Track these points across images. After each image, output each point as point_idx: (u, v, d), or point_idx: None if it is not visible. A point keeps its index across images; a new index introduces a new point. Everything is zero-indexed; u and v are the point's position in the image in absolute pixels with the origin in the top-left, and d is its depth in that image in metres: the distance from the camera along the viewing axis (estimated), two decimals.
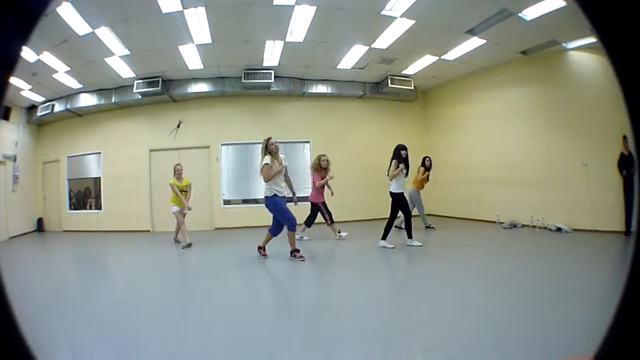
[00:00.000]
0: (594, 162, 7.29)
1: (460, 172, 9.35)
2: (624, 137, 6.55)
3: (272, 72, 8.52)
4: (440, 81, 10.02)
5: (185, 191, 7.37)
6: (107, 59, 7.69)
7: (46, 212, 10.70)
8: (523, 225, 7.99)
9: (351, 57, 8.25)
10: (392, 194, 6.25)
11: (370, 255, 5.96)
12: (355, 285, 4.55)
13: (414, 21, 6.72)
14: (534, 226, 7.85)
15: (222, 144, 9.39)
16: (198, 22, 6.47)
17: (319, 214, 7.31)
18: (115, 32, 6.62)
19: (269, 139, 5.66)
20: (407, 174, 6.40)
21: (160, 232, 9.43)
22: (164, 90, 8.91)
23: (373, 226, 7.55)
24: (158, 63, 8.24)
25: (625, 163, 6.70)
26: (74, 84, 8.86)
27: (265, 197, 5.69)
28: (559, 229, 7.47)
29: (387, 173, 6.31)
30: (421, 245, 6.25)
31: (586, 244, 6.46)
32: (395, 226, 6.66)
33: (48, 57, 7.23)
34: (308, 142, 9.62)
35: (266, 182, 5.57)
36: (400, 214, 6.35)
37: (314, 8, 6.18)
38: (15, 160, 9.70)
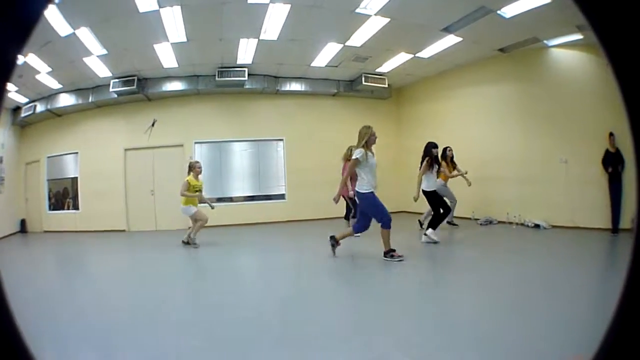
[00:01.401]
0: (574, 159, 7.30)
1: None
2: (610, 134, 6.62)
3: (246, 70, 8.45)
4: (415, 79, 10.01)
5: (199, 191, 6.95)
6: (85, 59, 7.62)
7: (28, 213, 10.57)
8: (499, 222, 7.98)
9: (325, 55, 8.20)
10: (424, 192, 6.28)
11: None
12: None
13: (388, 19, 6.68)
14: (510, 222, 7.83)
15: (195, 142, 9.31)
16: (173, 21, 6.39)
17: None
18: (95, 32, 6.56)
19: (368, 127, 5.17)
20: (438, 170, 6.50)
21: (136, 231, 9.37)
22: (139, 89, 8.83)
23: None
24: (134, 62, 8.17)
25: (610, 160, 6.66)
26: (54, 84, 8.80)
27: (361, 192, 5.13)
28: (537, 226, 7.48)
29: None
30: (438, 242, 6.18)
31: (567, 240, 6.48)
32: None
33: (33, 59, 7.17)
34: (281, 139, 9.59)
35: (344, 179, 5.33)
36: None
37: (288, 6, 6.13)
38: (1, 161, 9.61)
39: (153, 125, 9.10)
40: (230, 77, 8.45)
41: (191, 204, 6.86)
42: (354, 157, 5.10)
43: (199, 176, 6.97)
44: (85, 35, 6.56)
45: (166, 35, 6.90)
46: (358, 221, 5.44)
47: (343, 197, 7.16)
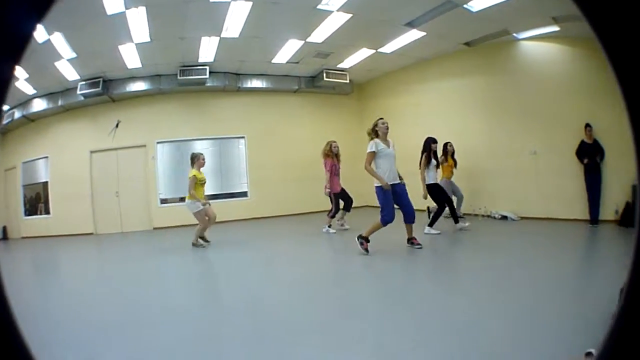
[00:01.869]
0: (546, 150, 7.31)
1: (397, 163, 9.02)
2: (587, 126, 6.61)
3: (207, 68, 8.39)
4: (377, 74, 9.99)
5: (205, 184, 6.55)
6: (57, 63, 7.62)
7: (9, 220, 10.46)
8: (465, 214, 7.85)
9: (286, 52, 8.16)
10: (427, 186, 6.28)
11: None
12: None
13: (350, 15, 6.64)
14: (476, 214, 7.80)
15: (157, 142, 9.23)
16: (138, 22, 6.36)
17: (343, 200, 7.13)
18: (66, 37, 6.53)
19: (380, 119, 5.12)
20: (438, 165, 6.55)
21: (103, 234, 9.27)
22: (104, 90, 8.77)
23: (311, 220, 7.34)
24: (100, 64, 8.13)
25: (587, 151, 6.65)
26: (30, 90, 8.82)
27: (375, 185, 5.03)
28: (504, 217, 7.45)
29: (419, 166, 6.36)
30: (439, 233, 6.25)
31: (538, 231, 6.44)
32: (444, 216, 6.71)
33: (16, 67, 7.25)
34: (243, 137, 9.51)
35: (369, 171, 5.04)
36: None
37: (250, 4, 6.07)
38: None
39: (117, 126, 9.05)
40: (191, 75, 8.40)
41: (195, 199, 6.39)
42: (368, 150, 4.98)
43: (202, 168, 6.53)
44: (58, 40, 6.55)
45: (131, 36, 6.86)
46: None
47: (330, 194, 7.04)
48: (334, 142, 7.00)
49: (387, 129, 5.07)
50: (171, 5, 6.04)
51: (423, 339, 2.59)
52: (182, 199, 9.15)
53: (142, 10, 6.03)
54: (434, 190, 6.33)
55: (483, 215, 7.73)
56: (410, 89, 9.24)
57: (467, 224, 6.55)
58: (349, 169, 9.89)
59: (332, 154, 6.93)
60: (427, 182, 6.31)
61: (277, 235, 7.19)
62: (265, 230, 7.79)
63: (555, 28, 6.76)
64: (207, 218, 6.46)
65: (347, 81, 9.48)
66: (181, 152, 9.43)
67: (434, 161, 6.39)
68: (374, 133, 5.04)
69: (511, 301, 3.24)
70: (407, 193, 5.13)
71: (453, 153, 7.46)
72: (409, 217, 5.11)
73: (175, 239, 7.39)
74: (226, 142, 9.51)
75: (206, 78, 8.50)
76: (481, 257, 4.88)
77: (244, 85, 9.37)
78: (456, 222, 6.48)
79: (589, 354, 2.21)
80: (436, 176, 6.47)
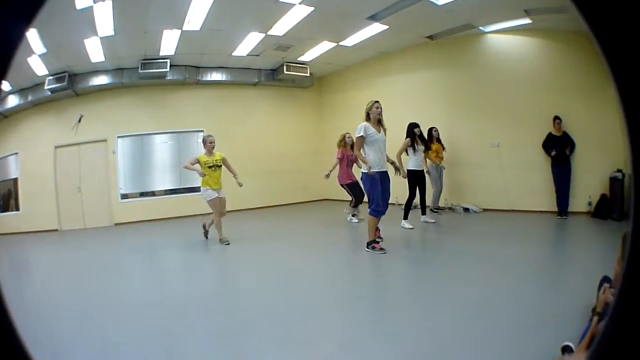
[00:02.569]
0: (510, 143, 7.38)
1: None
2: (556, 118, 6.65)
3: (168, 61, 8.30)
4: (338, 67, 9.96)
5: (218, 166, 6.02)
6: (29, 59, 7.60)
7: None
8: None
9: (247, 45, 8.08)
10: (408, 171, 6.21)
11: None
12: None
13: (312, 8, 6.58)
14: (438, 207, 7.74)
15: (118, 137, 9.13)
16: (104, 15, 6.29)
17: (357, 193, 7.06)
18: (39, 32, 6.45)
19: (375, 101, 4.94)
20: (427, 148, 6.72)
21: (67, 230, 9.19)
22: (69, 85, 8.70)
23: (277, 212, 7.28)
24: (67, 58, 8.04)
25: (555, 143, 6.67)
26: (5, 86, 8.83)
27: (362, 172, 4.94)
28: (466, 210, 7.47)
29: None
30: (434, 222, 6.48)
31: (504, 225, 6.51)
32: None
33: None
34: (202, 131, 9.32)
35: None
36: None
37: None
38: None
39: (79, 121, 8.98)
40: (153, 69, 8.30)
41: (208, 186, 5.94)
42: (356, 134, 4.84)
43: (213, 150, 6.05)
44: (32, 35, 6.42)
45: (96, 29, 6.78)
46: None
47: (341, 185, 7.12)
48: (348, 133, 6.98)
49: (380, 114, 4.89)
50: None
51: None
52: (142, 194, 9.21)
53: (108, 3, 5.95)
54: (415, 176, 6.35)
55: (445, 208, 7.72)
56: (372, 82, 9.22)
57: (433, 220, 6.68)
58: (310, 163, 9.97)
59: (345, 145, 7.01)
60: (412, 168, 6.35)
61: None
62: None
63: (527, 20, 6.77)
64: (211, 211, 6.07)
65: (308, 74, 9.45)
66: (141, 147, 9.34)
67: (421, 146, 6.44)
68: (366, 116, 4.88)
69: (480, 298, 3.21)
70: (389, 181, 5.00)
71: (438, 137, 7.49)
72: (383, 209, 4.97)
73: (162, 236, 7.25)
74: (185, 136, 9.45)
75: (167, 71, 8.42)
76: (446, 255, 4.88)
77: (204, 79, 9.31)
78: (405, 217, 6.40)
79: (566, 347, 2.14)
80: (420, 163, 6.51)
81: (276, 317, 3.08)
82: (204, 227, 6.38)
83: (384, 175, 4.88)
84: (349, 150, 6.94)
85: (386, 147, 4.95)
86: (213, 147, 6.07)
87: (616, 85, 0.41)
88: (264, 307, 3.31)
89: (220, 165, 6.07)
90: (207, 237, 6.32)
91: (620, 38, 0.40)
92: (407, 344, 2.52)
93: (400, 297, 3.51)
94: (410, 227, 6.18)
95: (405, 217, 6.31)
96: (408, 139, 6.43)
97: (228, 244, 5.90)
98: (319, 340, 2.66)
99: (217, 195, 5.94)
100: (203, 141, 6.16)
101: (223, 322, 3.04)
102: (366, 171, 4.75)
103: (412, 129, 6.49)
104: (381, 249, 4.83)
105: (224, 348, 2.63)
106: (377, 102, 4.94)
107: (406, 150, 6.45)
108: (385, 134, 4.95)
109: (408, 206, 6.40)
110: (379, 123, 4.90)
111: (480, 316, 2.85)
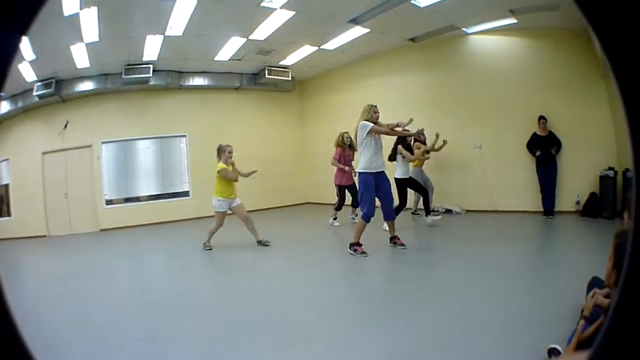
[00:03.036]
0: (492, 144, 7.37)
1: None
2: (541, 118, 6.64)
3: (151, 66, 8.35)
4: (319, 71, 10.00)
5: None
6: (20, 66, 7.67)
7: None
8: (406, 209, 7.67)
9: (229, 49, 8.11)
10: (396, 180, 6.12)
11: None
12: None
13: (294, 12, 6.61)
14: (420, 209, 7.68)
15: (102, 142, 9.18)
16: (89, 21, 6.34)
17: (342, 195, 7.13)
18: (30, 39, 6.59)
19: (374, 105, 5.00)
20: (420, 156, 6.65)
21: (55, 236, 9.23)
22: (56, 91, 8.79)
23: (260, 216, 7.29)
24: (54, 64, 8.10)
25: (539, 143, 6.68)
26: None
27: (357, 171, 4.97)
28: (449, 211, 7.37)
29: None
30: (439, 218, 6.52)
31: (490, 226, 6.50)
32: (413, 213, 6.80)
33: None
34: (184, 136, 9.48)
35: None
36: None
37: (194, 1, 6.03)
38: None
39: (65, 127, 9.04)
40: (136, 74, 8.34)
41: (220, 196, 5.79)
42: (364, 129, 4.77)
43: (230, 160, 5.84)
44: (24, 42, 6.64)
45: (82, 36, 6.84)
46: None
47: (336, 185, 7.04)
48: (347, 132, 6.85)
49: (378, 118, 4.94)
50: (122, 4, 6.02)
51: None
52: (127, 200, 9.23)
53: (94, 10, 6.00)
54: (406, 184, 6.27)
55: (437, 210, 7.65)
56: (354, 85, 9.25)
57: (433, 219, 6.62)
58: (292, 166, 9.96)
59: (344, 145, 6.88)
60: (399, 177, 6.22)
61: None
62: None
63: (513, 20, 6.76)
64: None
65: (289, 78, 9.47)
66: (125, 152, 9.38)
67: (403, 157, 6.27)
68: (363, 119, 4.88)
69: (466, 299, 3.22)
70: (389, 183, 4.95)
71: (425, 141, 7.41)
72: (388, 213, 4.98)
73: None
74: (168, 140, 9.48)
75: (149, 77, 8.47)
76: (430, 257, 4.94)
77: (186, 83, 9.35)
78: (419, 213, 6.58)
79: (552, 350, 2.12)
80: (409, 171, 6.41)
81: (260, 321, 3.10)
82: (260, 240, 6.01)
83: (381, 179, 4.86)
84: (347, 151, 6.89)
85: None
86: (230, 157, 5.85)
87: (618, 84, 0.40)
88: (248, 311, 3.34)
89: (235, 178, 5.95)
90: (263, 244, 5.98)
91: (623, 35, 0.40)
92: (392, 345, 2.52)
93: (383, 298, 3.49)
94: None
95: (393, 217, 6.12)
96: (400, 146, 6.23)
97: (210, 249, 5.83)
98: (303, 342, 2.67)
99: (227, 206, 5.81)
100: (221, 150, 5.87)
101: (207, 326, 3.06)
102: (363, 171, 4.77)
103: (405, 137, 6.18)
104: (363, 252, 4.82)
105: (208, 351, 2.64)
106: (375, 106, 4.97)
107: (395, 158, 6.28)
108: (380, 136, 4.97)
109: (397, 212, 6.04)
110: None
111: (466, 317, 2.86)
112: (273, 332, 2.87)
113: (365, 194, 4.77)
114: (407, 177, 6.34)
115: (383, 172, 4.89)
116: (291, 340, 2.70)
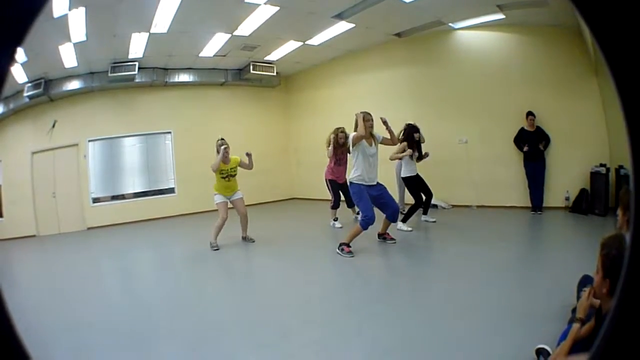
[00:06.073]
0: (478, 139, 7.31)
1: (320, 155, 8.41)
2: (529, 114, 6.61)
3: (137, 63, 8.36)
4: (305, 66, 9.99)
5: (232, 175, 5.78)
6: (12, 68, 7.73)
7: None
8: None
9: (213, 45, 8.11)
10: (403, 179, 6.09)
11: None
12: None
13: (278, 7, 6.60)
14: (406, 204, 7.55)
15: (89, 141, 9.18)
16: (77, 21, 6.36)
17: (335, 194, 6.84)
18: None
19: (367, 113, 4.74)
20: (419, 157, 6.24)
21: (44, 236, 9.23)
22: (45, 91, 8.84)
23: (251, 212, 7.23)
24: (43, 65, 8.13)
25: (527, 139, 6.65)
26: None
27: (349, 180, 4.86)
28: (434, 206, 7.34)
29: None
30: (434, 221, 6.37)
31: (480, 220, 6.47)
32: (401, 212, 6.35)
33: None
34: (169, 132, 9.47)
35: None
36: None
37: None
38: None
39: (53, 126, 9.06)
40: (122, 72, 8.35)
41: (217, 192, 5.78)
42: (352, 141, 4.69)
43: (227, 157, 5.69)
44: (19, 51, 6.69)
45: (69, 35, 6.86)
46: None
47: (326, 180, 6.77)
48: (342, 128, 6.46)
49: (372, 126, 4.73)
50: (108, 3, 6.02)
51: None
52: (114, 197, 9.22)
53: (82, 10, 6.03)
54: (412, 182, 6.11)
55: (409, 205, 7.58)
56: (340, 80, 9.26)
57: (433, 220, 6.50)
58: (277, 162, 9.92)
59: (336, 144, 6.45)
60: (406, 175, 6.10)
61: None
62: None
63: (501, 16, 6.73)
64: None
65: (275, 74, 9.46)
66: (111, 150, 9.39)
67: (416, 154, 6.12)
68: (355, 128, 4.72)
69: (452, 297, 3.16)
70: (387, 192, 4.89)
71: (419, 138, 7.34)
72: (392, 216, 4.92)
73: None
74: (153, 137, 9.49)
75: (135, 74, 8.49)
76: (416, 254, 4.87)
77: (172, 80, 9.35)
78: (404, 220, 6.10)
79: (541, 350, 2.06)
80: (416, 169, 6.21)
81: (241, 320, 3.11)
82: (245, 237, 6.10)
83: (376, 190, 4.78)
84: (339, 148, 6.52)
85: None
86: (227, 155, 5.66)
87: (615, 83, 0.40)
88: (230, 310, 3.35)
89: (235, 174, 5.84)
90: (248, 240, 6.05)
91: (620, 34, 0.40)
92: (377, 344, 2.47)
93: (368, 298, 3.41)
94: (410, 229, 5.90)
95: (404, 221, 5.98)
96: (405, 144, 5.98)
97: (217, 248, 5.63)
98: (281, 342, 2.64)
99: (226, 200, 5.79)
100: (222, 147, 5.64)
101: (186, 325, 3.04)
102: (352, 180, 4.71)
103: (413, 133, 6.09)
104: (350, 252, 4.75)
105: (189, 350, 2.61)
106: (367, 114, 4.74)
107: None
108: (377, 147, 4.85)
109: (412, 211, 6.06)
110: (371, 135, 4.78)
111: (452, 316, 2.80)
112: (250, 331, 2.86)
113: (360, 204, 4.68)
114: (415, 174, 6.16)
115: (377, 184, 4.83)
116: (269, 339, 2.68)
